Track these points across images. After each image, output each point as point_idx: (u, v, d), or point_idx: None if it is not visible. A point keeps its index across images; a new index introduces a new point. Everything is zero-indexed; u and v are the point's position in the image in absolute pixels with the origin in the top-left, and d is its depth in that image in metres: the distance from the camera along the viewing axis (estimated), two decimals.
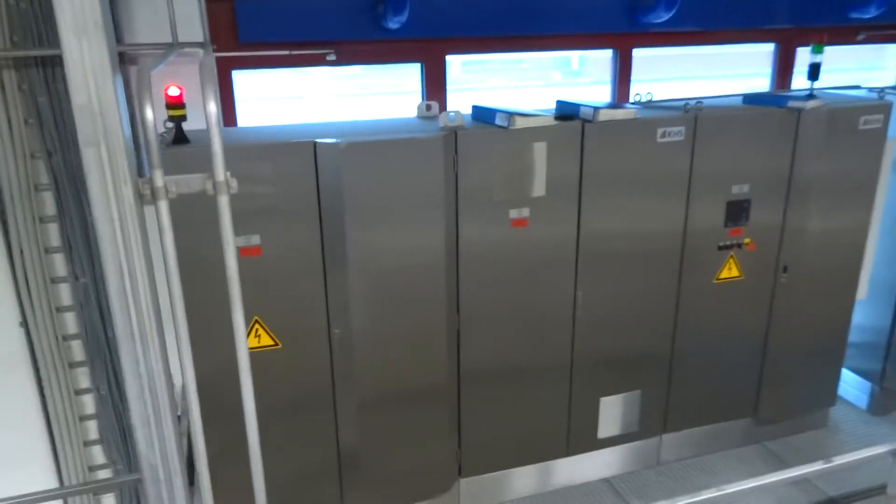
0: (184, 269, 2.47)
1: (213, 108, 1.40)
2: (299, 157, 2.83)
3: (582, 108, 3.25)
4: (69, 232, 3.22)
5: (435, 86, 3.94)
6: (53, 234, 3.26)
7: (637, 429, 3.86)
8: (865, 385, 4.50)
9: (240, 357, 1.60)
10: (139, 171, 1.50)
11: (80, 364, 3.47)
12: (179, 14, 3.19)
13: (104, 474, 3.67)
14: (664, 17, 3.90)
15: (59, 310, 3.36)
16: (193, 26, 3.23)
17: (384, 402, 3.25)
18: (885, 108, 3.62)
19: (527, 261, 3.30)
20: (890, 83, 4.98)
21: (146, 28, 3.18)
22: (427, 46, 3.84)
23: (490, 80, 4.14)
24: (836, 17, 4.50)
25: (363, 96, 4.08)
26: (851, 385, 4.56)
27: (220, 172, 1.43)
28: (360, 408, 3.22)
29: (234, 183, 1.45)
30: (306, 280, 3.00)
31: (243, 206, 2.77)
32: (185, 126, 2.82)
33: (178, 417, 3.07)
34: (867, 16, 4.45)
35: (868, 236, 3.93)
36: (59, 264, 3.31)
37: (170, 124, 3.06)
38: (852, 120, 3.59)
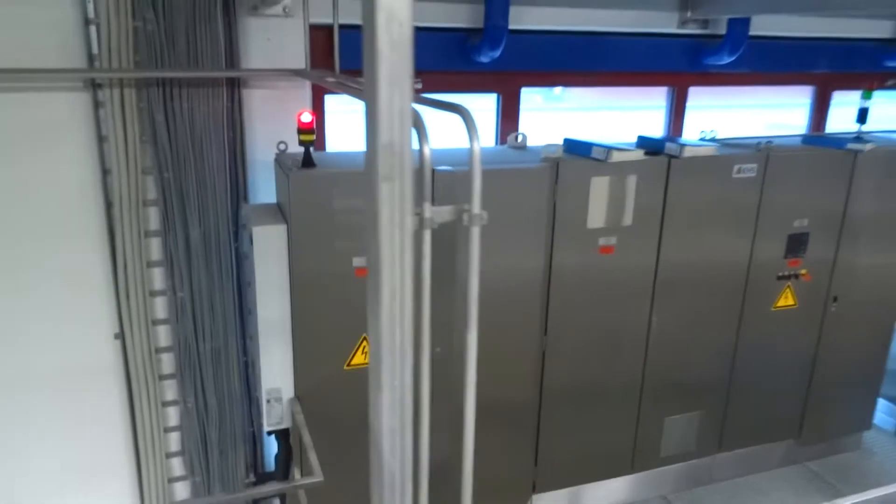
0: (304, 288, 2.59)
1: (476, 147, 1.55)
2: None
3: (667, 144, 3.46)
4: (172, 247, 3.30)
5: (509, 116, 4.12)
6: (155, 248, 3.34)
7: (694, 448, 4.05)
8: (894, 410, 4.77)
9: (467, 373, 1.73)
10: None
11: (170, 377, 3.53)
12: (285, 41, 3.34)
13: (181, 486, 3.72)
14: (727, 60, 4.15)
15: (154, 323, 3.43)
16: (297, 53, 3.37)
17: (479, 415, 3.37)
18: None
19: (610, 286, 3.48)
20: None
21: (257, 54, 3.30)
22: (505, 78, 4.03)
23: (476, 102, 4.26)
24: (871, 65, 4.81)
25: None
26: (881, 410, 4.82)
27: (477, 206, 1.57)
28: (449, 422, 3.34)
29: (485, 215, 1.59)
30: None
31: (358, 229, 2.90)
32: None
33: (287, 429, 3.17)
34: None
35: None
36: (157, 278, 3.39)
37: (282, 146, 3.20)
38: None
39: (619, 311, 3.56)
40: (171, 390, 3.57)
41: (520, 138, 3.61)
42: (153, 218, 3.30)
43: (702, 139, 3.87)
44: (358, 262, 2.97)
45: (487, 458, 3.48)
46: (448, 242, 3.07)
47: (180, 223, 3.28)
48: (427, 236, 1.55)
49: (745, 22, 4.08)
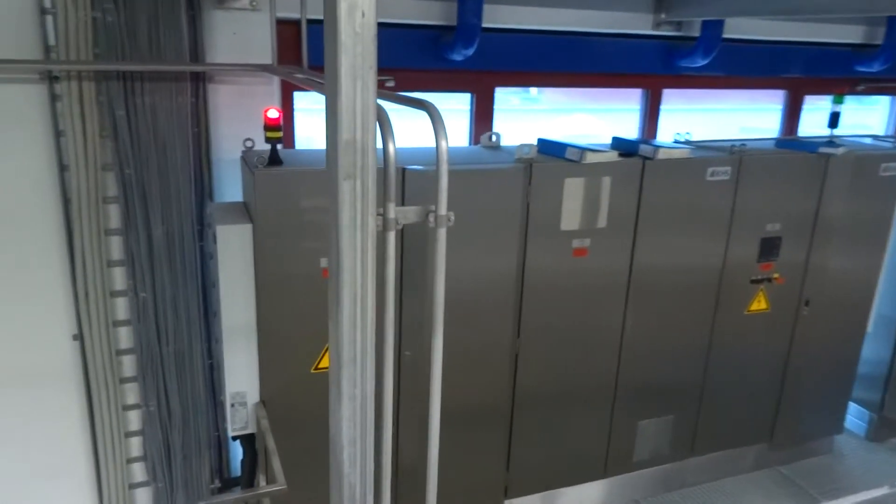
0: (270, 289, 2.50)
1: (444, 145, 1.48)
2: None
3: (641, 147, 3.43)
4: (133, 245, 3.20)
5: (483, 116, 4.07)
6: (115, 246, 3.23)
7: (667, 452, 4.02)
8: (865, 414, 4.80)
9: (432, 377, 1.67)
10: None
11: (131, 380, 3.42)
12: (252, 36, 3.25)
13: (142, 492, 3.60)
14: (701, 62, 4.14)
15: (115, 324, 3.32)
16: (264, 48, 3.28)
17: (443, 421, 3.31)
18: None
19: (584, 288, 3.44)
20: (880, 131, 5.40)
21: (223, 48, 3.21)
22: (479, 78, 3.97)
23: (449, 103, 4.22)
24: (843, 69, 4.84)
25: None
26: (851, 414, 4.84)
27: (443, 207, 1.51)
28: (421, 426, 3.27)
29: (451, 216, 1.53)
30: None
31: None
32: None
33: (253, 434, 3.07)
34: (871, 70, 4.81)
35: (878, 274, 4.22)
36: (118, 277, 3.28)
37: (249, 143, 3.11)
38: (874, 166, 3.89)
39: (593, 314, 3.52)
40: (132, 394, 3.45)
41: (494, 138, 3.56)
42: (114, 216, 3.19)
43: (676, 141, 3.85)
44: (325, 262, 2.89)
45: (459, 462, 3.43)
46: (420, 243, 3.01)
47: (142, 221, 3.17)
48: (391, 238, 1.48)
49: (719, 24, 4.08)
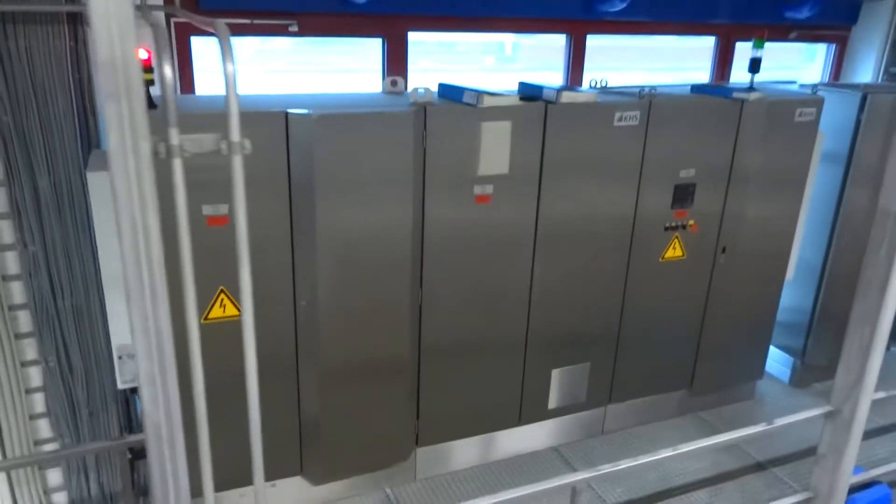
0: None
1: (230, 69, 1.41)
2: (271, 126, 2.83)
3: (545, 90, 3.36)
4: (18, 197, 3.10)
5: (396, 62, 3.96)
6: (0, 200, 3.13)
7: (584, 400, 4.05)
8: (788, 360, 4.86)
9: (244, 317, 1.63)
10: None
11: (27, 335, 3.35)
12: None
13: (51, 447, 3.57)
14: (619, 6, 4.05)
15: (6, 279, 3.24)
16: None
17: (346, 372, 3.30)
18: (818, 103, 3.90)
19: (488, 237, 3.40)
20: (817, 80, 5.36)
21: None
22: (389, 22, 3.85)
23: (422, 63, 4.16)
24: (772, 16, 4.77)
25: (328, 73, 4.07)
26: (775, 360, 4.90)
27: (236, 133, 1.45)
28: (322, 378, 3.25)
29: (247, 144, 1.46)
30: (274, 251, 3.00)
31: (213, 175, 2.74)
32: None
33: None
34: (800, 16, 4.74)
35: (798, 222, 4.22)
36: (5, 231, 3.18)
37: None
38: (789, 112, 3.85)
39: (501, 263, 3.49)
40: (31, 349, 3.39)
41: (398, 83, 3.47)
42: None
43: (590, 88, 3.78)
44: (208, 210, 2.82)
45: (368, 412, 3.43)
46: (332, 185, 2.93)
47: (26, 172, 3.07)
48: (177, 165, 1.41)
49: None
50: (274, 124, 2.82)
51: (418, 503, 3.62)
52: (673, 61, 5.35)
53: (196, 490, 1.65)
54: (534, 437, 4.01)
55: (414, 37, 3.98)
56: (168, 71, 1.40)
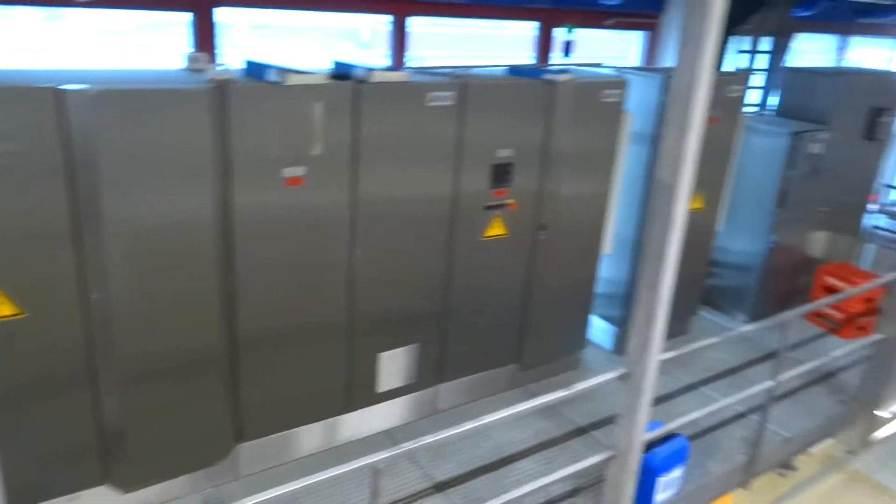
0: None
1: None
2: (37, 104, 2.55)
3: (356, 70, 3.29)
4: None
5: (205, 40, 3.74)
6: None
7: (415, 381, 4.07)
8: (610, 329, 5.16)
9: None
10: None
11: None
12: None
13: None
14: None
15: None
16: None
17: (151, 370, 3.09)
18: (622, 84, 4.13)
19: (304, 221, 3.30)
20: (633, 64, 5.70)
21: None
22: None
23: (279, 47, 4.03)
24: (586, 2, 5.00)
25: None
26: (599, 329, 5.20)
27: None
28: (122, 375, 3.02)
29: None
30: (53, 242, 2.73)
31: None
32: None
33: None
34: (612, 3, 5.00)
35: (611, 198, 4.47)
36: None
37: None
38: (596, 93, 4.04)
39: (319, 246, 3.40)
40: None
41: (199, 59, 3.26)
42: None
43: (407, 67, 3.76)
44: None
45: (178, 411, 3.23)
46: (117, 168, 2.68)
47: None
48: None
49: None
50: (42, 102, 2.55)
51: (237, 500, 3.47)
52: (511, 49, 5.51)
53: None
54: (365, 422, 3.98)
55: (265, 20, 3.82)
56: None
